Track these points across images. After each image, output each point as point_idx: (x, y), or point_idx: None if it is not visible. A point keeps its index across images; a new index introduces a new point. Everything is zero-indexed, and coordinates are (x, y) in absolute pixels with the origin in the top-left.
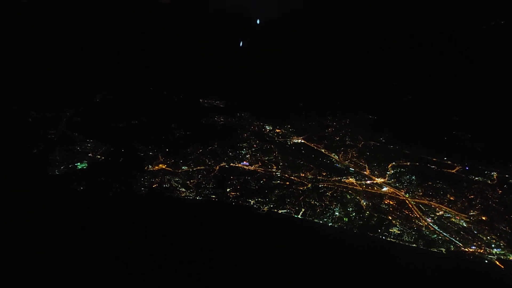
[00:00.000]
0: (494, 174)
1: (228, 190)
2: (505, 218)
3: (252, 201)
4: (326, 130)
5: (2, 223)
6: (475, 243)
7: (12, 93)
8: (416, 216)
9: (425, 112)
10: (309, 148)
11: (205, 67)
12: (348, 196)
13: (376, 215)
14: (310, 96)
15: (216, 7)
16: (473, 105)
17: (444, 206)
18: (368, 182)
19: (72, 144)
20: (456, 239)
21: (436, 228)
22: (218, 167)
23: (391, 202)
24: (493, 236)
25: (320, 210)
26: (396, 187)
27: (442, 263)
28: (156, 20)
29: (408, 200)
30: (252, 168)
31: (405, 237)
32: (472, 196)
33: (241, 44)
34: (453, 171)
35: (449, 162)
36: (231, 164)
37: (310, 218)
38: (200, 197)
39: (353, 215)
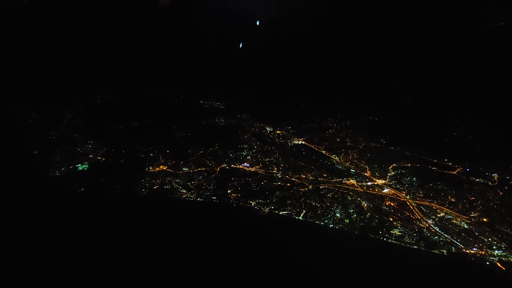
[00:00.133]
0: (495, 175)
1: (229, 191)
2: (506, 219)
3: (253, 203)
4: (327, 132)
5: (3, 224)
6: (476, 245)
7: (13, 94)
8: (417, 217)
9: (425, 113)
10: (310, 150)
11: (205, 68)
12: (349, 198)
13: (377, 216)
14: (310, 97)
15: (217, 8)
16: (474, 106)
17: (445, 207)
18: (369, 183)
19: (73, 145)
20: (457, 241)
21: (437, 229)
22: (219, 169)
23: (392, 204)
24: (494, 238)
25: (321, 211)
26: (397, 189)
27: (443, 264)
28: (156, 21)
29: (409, 202)
30: (253, 169)
31: (406, 239)
32: (473, 198)
33: (240, 45)
34: (454, 172)
35: (450, 163)
36: (232, 165)
37: (311, 220)
38: (201, 198)
39: (354, 217)
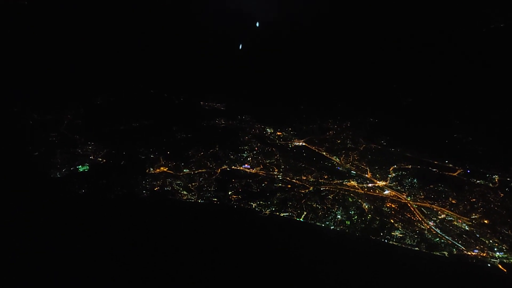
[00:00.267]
0: (496, 177)
1: (229, 193)
2: (507, 221)
3: (254, 204)
4: (327, 133)
5: (4, 226)
6: (477, 247)
7: (13, 95)
8: (418, 219)
9: (426, 115)
10: (310, 151)
11: (205, 70)
12: (350, 199)
13: (378, 218)
14: (311, 98)
15: (217, 9)
16: (474, 107)
17: (446, 209)
18: (370, 185)
19: (74, 147)
20: (458, 243)
21: (438, 231)
22: (219, 170)
23: (393, 205)
24: (495, 240)
25: (322, 213)
26: (397, 190)
27: (444, 266)
28: (157, 22)
29: (410, 203)
30: (253, 171)
31: (408, 241)
32: (474, 200)
33: (240, 46)
34: (455, 174)
35: (450, 165)
36: (233, 167)
37: (312, 221)
38: (201, 200)
39: (355, 218)
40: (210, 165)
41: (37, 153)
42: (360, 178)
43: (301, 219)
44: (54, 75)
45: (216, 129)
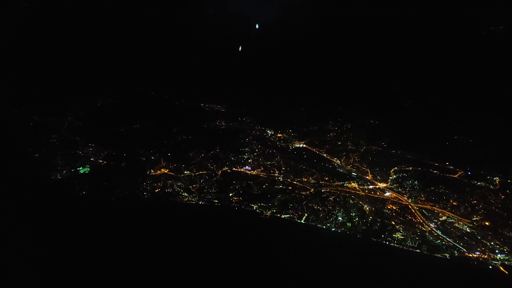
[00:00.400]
0: (496, 179)
1: (230, 194)
2: (508, 223)
3: (255, 206)
4: (328, 135)
5: (4, 227)
6: (479, 249)
7: (14, 97)
8: (419, 221)
9: (426, 117)
10: (311, 153)
11: (206, 72)
12: (350, 201)
13: (379, 220)
14: (311, 100)
15: (217, 12)
16: (475, 110)
17: (447, 211)
18: (371, 187)
19: (74, 149)
20: (460, 245)
21: (440, 233)
22: (220, 172)
23: (394, 207)
24: (496, 242)
25: (323, 215)
26: (398, 192)
27: (446, 268)
28: (157, 25)
29: (411, 205)
30: (254, 172)
31: (409, 242)
32: (475, 202)
33: (240, 48)
34: (456, 176)
35: (451, 167)
36: (233, 168)
37: (313, 223)
38: (202, 201)
39: (356, 220)
40: (211, 166)
41: (37, 155)
42: (361, 180)
43: (302, 221)
44: (55, 77)
45: (216, 131)
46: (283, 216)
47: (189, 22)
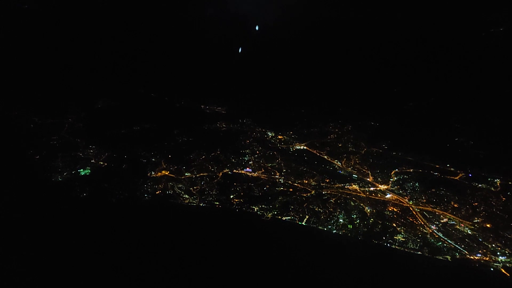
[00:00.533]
0: (497, 181)
1: (231, 196)
2: (509, 225)
3: (255, 208)
4: (329, 137)
5: (5, 229)
6: (480, 251)
7: (14, 99)
8: (421, 223)
9: (427, 118)
10: (311, 155)
11: (206, 73)
12: (351, 203)
13: (380, 222)
14: (312, 102)
15: (217, 13)
16: (476, 111)
17: (448, 213)
18: (372, 189)
19: (75, 150)
20: (461, 247)
21: (441, 235)
22: (221, 174)
23: (395, 209)
24: (498, 244)
25: (324, 217)
26: (399, 194)
27: (447, 270)
28: (157, 27)
29: (412, 207)
30: (255, 174)
31: (410, 245)
32: (476, 203)
33: (240, 50)
34: (456, 178)
35: (452, 169)
36: (234, 170)
37: (314, 225)
38: (203, 203)
39: (357, 222)
40: (211, 168)
41: (38, 157)
42: (362, 182)
43: (303, 223)
44: (55, 79)
45: (217, 132)
46: (284, 218)
47: (189, 24)
